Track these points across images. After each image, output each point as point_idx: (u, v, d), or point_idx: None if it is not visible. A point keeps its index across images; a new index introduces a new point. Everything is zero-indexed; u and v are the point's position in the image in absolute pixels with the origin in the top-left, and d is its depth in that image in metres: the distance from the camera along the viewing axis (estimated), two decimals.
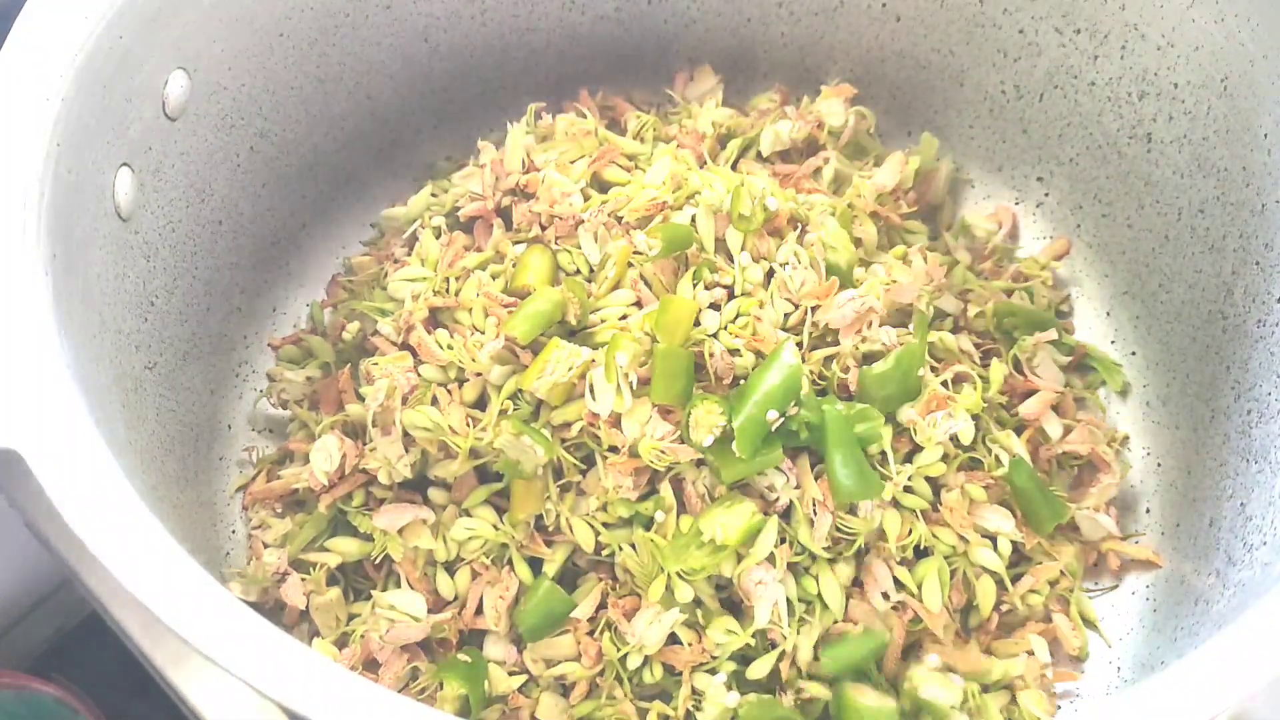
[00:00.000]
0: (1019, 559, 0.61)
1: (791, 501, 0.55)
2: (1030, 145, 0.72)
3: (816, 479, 0.56)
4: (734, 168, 0.68)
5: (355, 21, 0.67)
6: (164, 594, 0.39)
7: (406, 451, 0.57)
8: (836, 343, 0.58)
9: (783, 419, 0.54)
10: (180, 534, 0.54)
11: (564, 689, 0.57)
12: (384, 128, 0.74)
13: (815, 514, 0.55)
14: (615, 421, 0.54)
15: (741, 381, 0.56)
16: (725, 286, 0.59)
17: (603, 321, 0.58)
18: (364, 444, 0.59)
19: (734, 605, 0.57)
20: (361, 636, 0.57)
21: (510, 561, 0.57)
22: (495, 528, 0.57)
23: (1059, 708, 0.59)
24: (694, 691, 0.55)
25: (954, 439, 0.58)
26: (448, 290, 0.62)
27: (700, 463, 0.55)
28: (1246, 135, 0.58)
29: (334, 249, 0.74)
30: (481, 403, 0.58)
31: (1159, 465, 0.65)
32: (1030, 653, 0.59)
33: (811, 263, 0.60)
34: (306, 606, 0.58)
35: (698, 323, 0.56)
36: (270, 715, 0.56)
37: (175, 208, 0.61)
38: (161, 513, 0.51)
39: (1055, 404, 0.65)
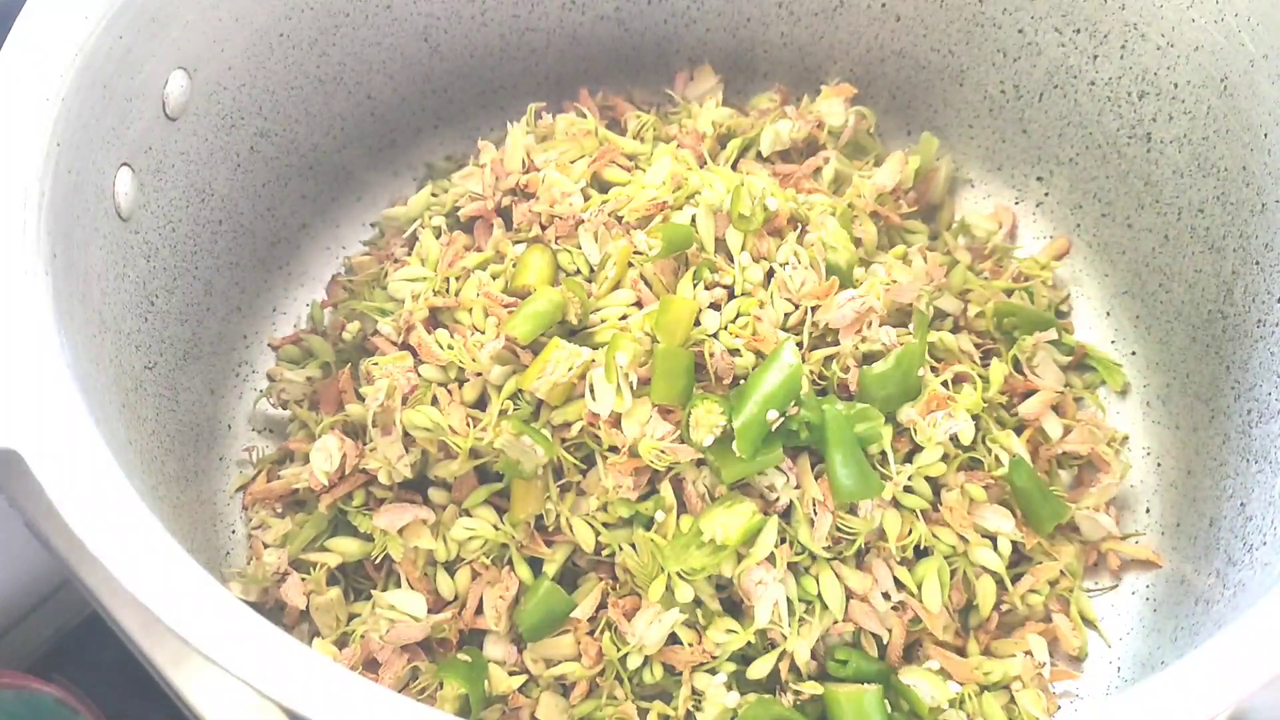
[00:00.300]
0: (1019, 559, 0.61)
1: (791, 501, 0.55)
2: (1030, 145, 0.72)
3: (816, 479, 0.56)
4: (734, 168, 0.68)
5: (355, 21, 0.67)
6: (164, 594, 0.39)
7: (406, 451, 0.57)
8: (836, 343, 0.58)
9: (783, 419, 0.54)
10: (180, 534, 0.55)
11: (564, 689, 0.57)
12: (384, 128, 0.74)
13: (815, 514, 0.55)
14: (615, 421, 0.54)
15: (741, 381, 0.56)
16: (725, 286, 0.59)
17: (603, 321, 0.58)
18: (364, 444, 0.59)
19: (734, 605, 0.57)
20: (361, 636, 0.57)
21: (510, 561, 0.57)
22: (495, 528, 0.57)
23: (1059, 707, 0.59)
24: (694, 691, 0.55)
25: (954, 439, 0.58)
26: (448, 290, 0.62)
27: (700, 463, 0.55)
28: (1246, 135, 0.58)
29: (334, 249, 0.74)
30: (481, 403, 0.58)
31: (1159, 465, 0.65)
32: (1029, 653, 0.59)
33: (811, 263, 0.60)
34: (306, 606, 0.58)
35: (698, 323, 0.56)
36: (270, 715, 0.57)
37: (175, 208, 0.61)
38: (161, 513, 0.51)
39: (1055, 404, 0.65)
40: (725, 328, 0.57)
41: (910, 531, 0.57)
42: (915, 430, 0.58)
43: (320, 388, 0.64)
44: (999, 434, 0.61)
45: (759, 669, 0.55)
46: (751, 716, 0.53)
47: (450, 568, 0.58)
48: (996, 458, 0.60)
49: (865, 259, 0.63)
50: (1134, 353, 0.69)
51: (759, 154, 0.69)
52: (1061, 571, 0.61)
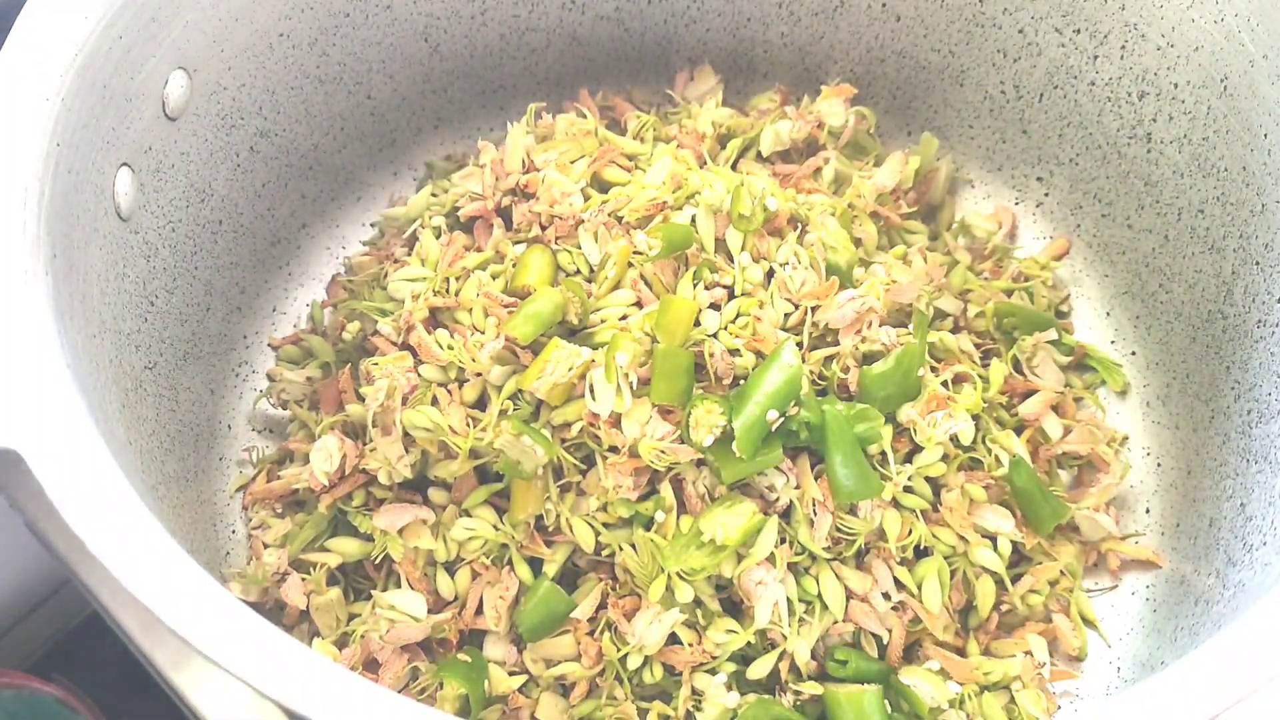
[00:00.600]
0: (1019, 559, 0.61)
1: (791, 501, 0.55)
2: (1030, 145, 0.72)
3: (816, 479, 0.56)
4: (734, 168, 0.68)
5: (355, 21, 0.67)
6: (164, 594, 0.39)
7: (406, 451, 0.57)
8: (836, 343, 0.58)
9: (783, 419, 0.54)
10: (180, 534, 0.55)
11: (564, 689, 0.57)
12: (384, 128, 0.74)
13: (815, 514, 0.55)
14: (615, 421, 0.54)
15: (741, 381, 0.56)
16: (725, 286, 0.59)
17: (603, 321, 0.58)
18: (364, 444, 0.59)
19: (734, 605, 0.57)
20: (361, 636, 0.57)
21: (510, 561, 0.57)
22: (495, 528, 0.57)
23: (1059, 707, 0.59)
24: (694, 692, 0.55)
25: (954, 439, 0.58)
26: (448, 290, 0.62)
27: (700, 463, 0.55)
28: (1246, 135, 0.58)
29: (334, 249, 0.74)
30: (481, 403, 0.58)
31: (1159, 465, 0.65)
32: (1029, 653, 0.59)
33: (811, 263, 0.60)
34: (306, 606, 0.58)
35: (698, 323, 0.56)
36: (270, 715, 0.57)
37: (175, 208, 0.61)
38: (161, 513, 0.51)
39: (1055, 404, 0.65)
40: (725, 328, 0.57)
41: (910, 532, 0.57)
42: (915, 430, 0.58)
43: (320, 388, 0.64)
44: (999, 434, 0.61)
45: (759, 669, 0.55)
46: (751, 717, 0.53)
47: (450, 568, 0.58)
48: (996, 458, 0.60)
49: (865, 259, 0.63)
50: (1134, 353, 0.69)
51: (759, 154, 0.69)
52: (1061, 572, 0.61)
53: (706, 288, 0.58)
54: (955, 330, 0.66)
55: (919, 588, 0.57)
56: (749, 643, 0.55)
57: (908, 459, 0.58)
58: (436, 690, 0.55)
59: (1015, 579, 0.60)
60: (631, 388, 0.54)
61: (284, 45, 0.64)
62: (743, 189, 0.59)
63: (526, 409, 0.56)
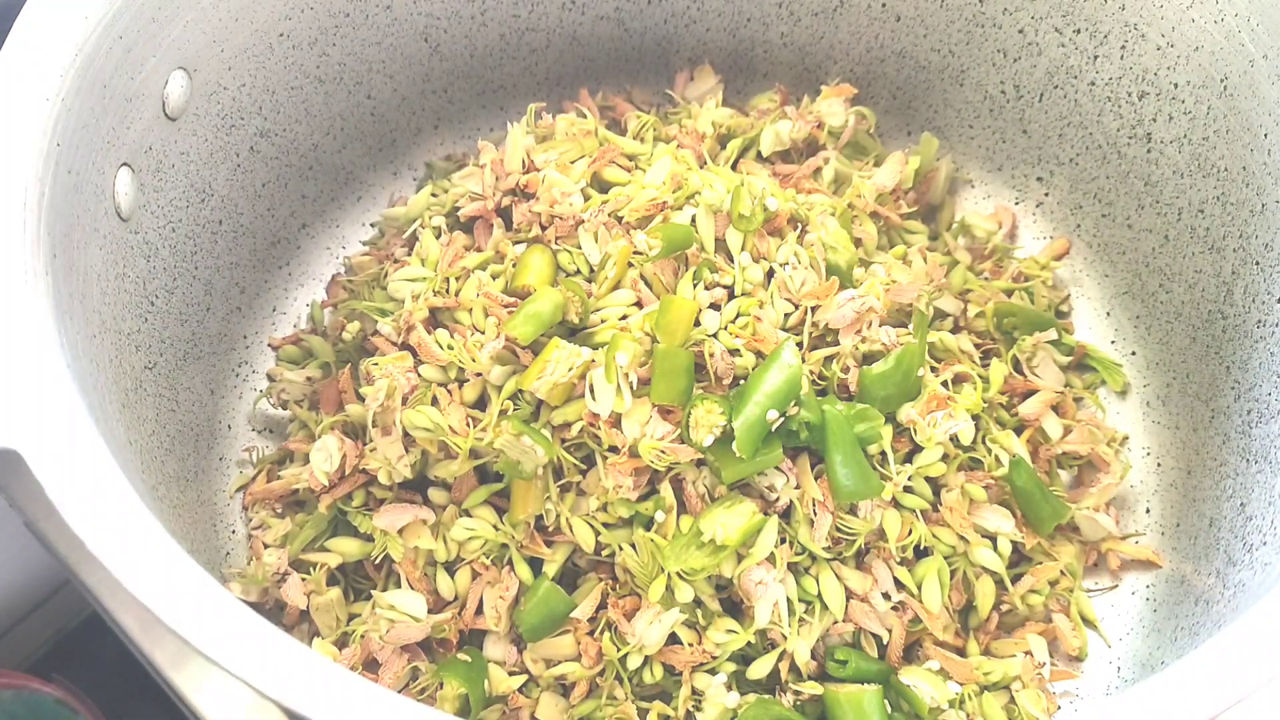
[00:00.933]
0: (1019, 559, 0.61)
1: (791, 501, 0.55)
2: (1030, 145, 0.72)
3: (816, 479, 0.56)
4: (734, 168, 0.68)
5: (355, 21, 0.67)
6: (164, 594, 0.39)
7: (406, 451, 0.57)
8: (836, 343, 0.58)
9: (783, 419, 0.54)
10: (180, 534, 0.55)
11: (564, 689, 0.57)
12: (384, 128, 0.74)
13: (815, 514, 0.55)
14: (615, 421, 0.54)
15: (741, 381, 0.56)
16: (725, 286, 0.59)
17: (603, 321, 0.58)
18: (364, 444, 0.59)
19: (734, 605, 0.57)
20: (361, 636, 0.57)
21: (510, 561, 0.57)
22: (495, 528, 0.57)
23: (1059, 707, 0.59)
24: (694, 692, 0.55)
25: (954, 439, 0.58)
26: (448, 290, 0.62)
27: (700, 463, 0.55)
28: (1246, 135, 0.58)
29: (334, 249, 0.74)
30: (481, 403, 0.58)
31: (1159, 465, 0.65)
32: (1029, 653, 0.59)
33: (811, 263, 0.60)
34: (306, 606, 0.58)
35: (698, 323, 0.56)
36: (270, 715, 0.57)
37: (175, 208, 0.61)
38: (161, 513, 0.51)
39: (1055, 404, 0.65)
40: (725, 328, 0.57)
41: (910, 532, 0.57)
42: (915, 430, 0.58)
43: (320, 388, 0.64)
44: (999, 434, 0.61)
45: (759, 669, 0.55)
46: (751, 717, 0.53)
47: (450, 568, 0.58)
48: (996, 458, 0.60)
49: (865, 259, 0.63)
50: (1134, 353, 0.69)
51: (759, 154, 0.69)
52: (1061, 572, 0.61)
53: (706, 288, 0.58)
54: (955, 330, 0.66)
55: (919, 588, 0.57)
56: (749, 643, 0.55)
57: (908, 459, 0.58)
58: (436, 690, 0.55)
59: (1015, 579, 0.60)
60: (631, 388, 0.54)
61: (284, 45, 0.64)
62: (743, 189, 0.59)
63: (526, 409, 0.56)
